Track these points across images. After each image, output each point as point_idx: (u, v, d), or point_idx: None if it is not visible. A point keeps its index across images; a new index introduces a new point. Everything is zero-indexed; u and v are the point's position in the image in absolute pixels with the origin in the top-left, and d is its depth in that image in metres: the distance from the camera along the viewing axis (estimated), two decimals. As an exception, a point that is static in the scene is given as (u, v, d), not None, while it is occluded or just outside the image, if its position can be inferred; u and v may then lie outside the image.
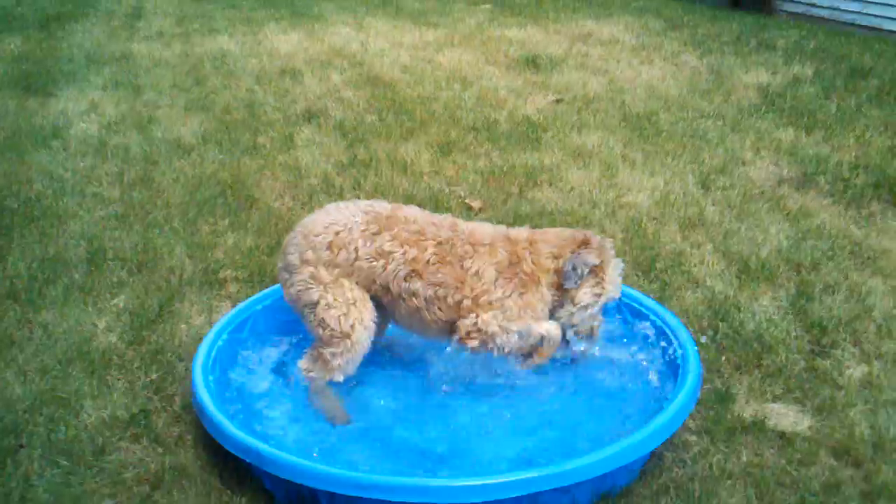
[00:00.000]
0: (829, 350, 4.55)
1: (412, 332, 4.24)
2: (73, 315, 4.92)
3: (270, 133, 7.86)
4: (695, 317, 4.84)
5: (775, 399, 4.19)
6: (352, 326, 3.93)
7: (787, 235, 5.79)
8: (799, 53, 10.29)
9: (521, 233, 4.13)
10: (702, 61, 10.11)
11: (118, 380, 4.37)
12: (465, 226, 4.11)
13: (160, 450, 3.89)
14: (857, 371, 4.39)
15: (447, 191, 6.54)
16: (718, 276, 5.29)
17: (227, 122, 8.14)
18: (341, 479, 3.26)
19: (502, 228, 4.16)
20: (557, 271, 4.04)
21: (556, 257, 4.04)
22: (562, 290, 4.07)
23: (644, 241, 5.72)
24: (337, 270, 3.95)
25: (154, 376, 4.39)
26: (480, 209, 6.23)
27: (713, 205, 6.29)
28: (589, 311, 4.09)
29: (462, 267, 3.95)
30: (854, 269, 5.34)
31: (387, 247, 3.96)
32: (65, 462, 3.77)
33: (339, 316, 3.93)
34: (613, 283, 4.12)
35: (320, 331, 3.98)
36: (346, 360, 3.98)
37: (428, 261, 3.94)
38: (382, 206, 4.15)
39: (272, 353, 4.38)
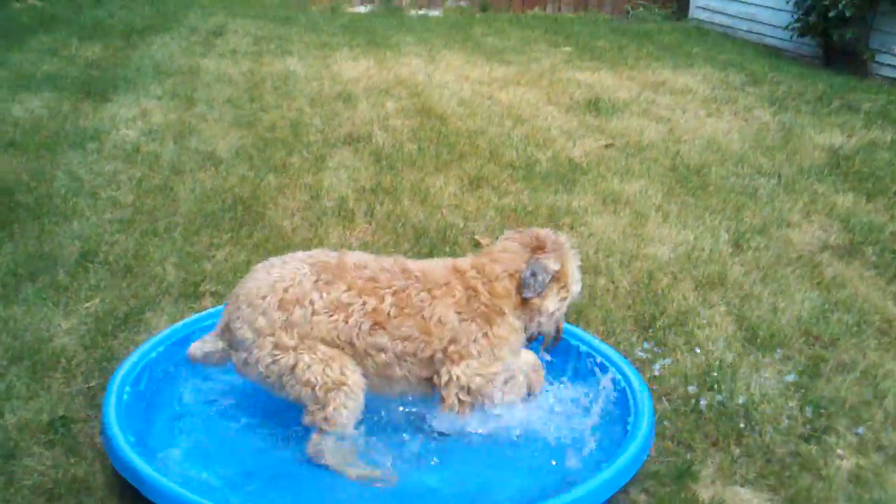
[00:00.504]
0: (822, 435, 4.07)
1: (385, 394, 3.82)
2: (41, 314, 4.82)
3: (304, 153, 7.74)
4: (682, 382, 4.41)
5: (745, 483, 3.75)
6: (342, 372, 3.54)
7: (813, 305, 5.30)
8: (882, 118, 9.65)
9: (466, 261, 3.81)
10: (774, 118, 9.59)
11: (58, 383, 4.23)
12: (414, 266, 3.79)
13: (72, 460, 3.71)
14: (847, 463, 3.91)
15: (460, 225, 6.27)
16: (722, 341, 4.85)
17: (266, 140, 8.07)
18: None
19: (449, 261, 3.85)
20: (518, 289, 3.69)
21: (511, 276, 3.70)
22: (527, 305, 3.73)
23: (651, 295, 5.33)
24: (296, 331, 3.55)
25: (94, 384, 4.23)
26: (487, 246, 5.92)
27: (741, 265, 5.84)
28: (556, 316, 3.83)
29: (423, 317, 3.63)
30: (876, 349, 4.84)
31: (344, 298, 3.58)
32: (-32, 462, 3.61)
33: (324, 368, 3.53)
34: (576, 281, 3.85)
35: (309, 392, 3.54)
36: (351, 408, 3.56)
37: (389, 312, 3.60)
38: (327, 255, 3.79)
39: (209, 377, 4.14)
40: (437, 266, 3.79)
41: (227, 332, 3.71)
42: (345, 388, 3.53)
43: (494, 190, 7.07)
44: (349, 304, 3.57)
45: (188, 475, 3.44)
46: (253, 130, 8.36)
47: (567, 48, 13.61)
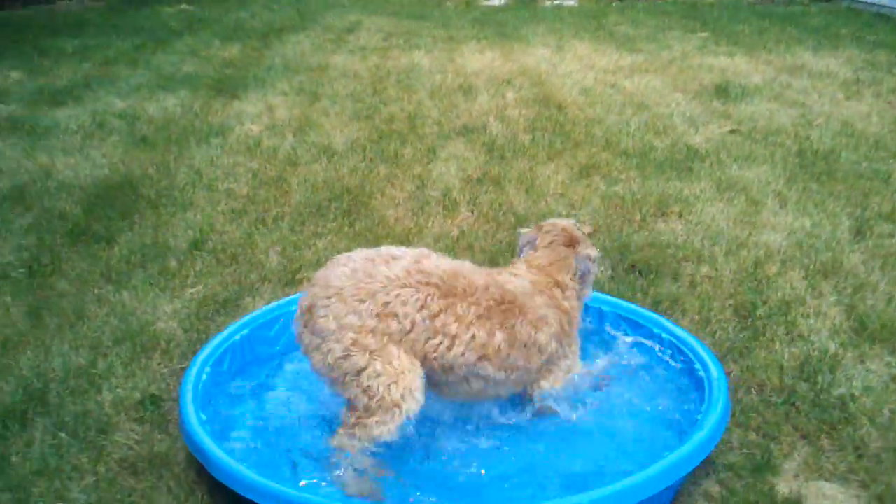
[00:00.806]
0: (926, 432, 3.77)
1: (457, 399, 3.76)
2: (148, 299, 5.06)
3: (418, 145, 7.81)
4: (776, 373, 4.19)
5: (831, 478, 3.52)
6: (402, 396, 3.38)
7: (936, 295, 4.93)
8: None
9: (540, 275, 3.78)
10: (921, 99, 8.99)
11: (155, 364, 4.42)
12: (509, 286, 3.66)
13: (158, 436, 3.87)
14: (951, 461, 3.60)
15: (564, 213, 6.16)
16: (827, 332, 4.58)
17: (382, 132, 8.19)
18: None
19: (525, 280, 3.76)
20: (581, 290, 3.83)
21: (573, 278, 3.69)
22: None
23: (755, 283, 5.08)
24: (385, 338, 3.42)
25: (187, 364, 4.38)
26: (590, 234, 5.80)
27: (860, 253, 5.49)
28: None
29: (527, 348, 3.60)
30: None
31: (452, 329, 3.46)
32: (64, 435, 3.82)
33: (390, 384, 3.36)
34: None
35: (364, 399, 3.40)
36: (391, 428, 3.40)
37: (499, 347, 3.52)
38: (432, 266, 3.57)
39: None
40: (519, 286, 3.69)
41: (308, 314, 3.62)
42: (397, 410, 3.39)
43: (604, 178, 6.92)
44: (455, 336, 3.46)
45: (258, 456, 3.53)
46: (370, 123, 8.50)
47: (703, 34, 13.20)
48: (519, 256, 3.99)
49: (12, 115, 8.74)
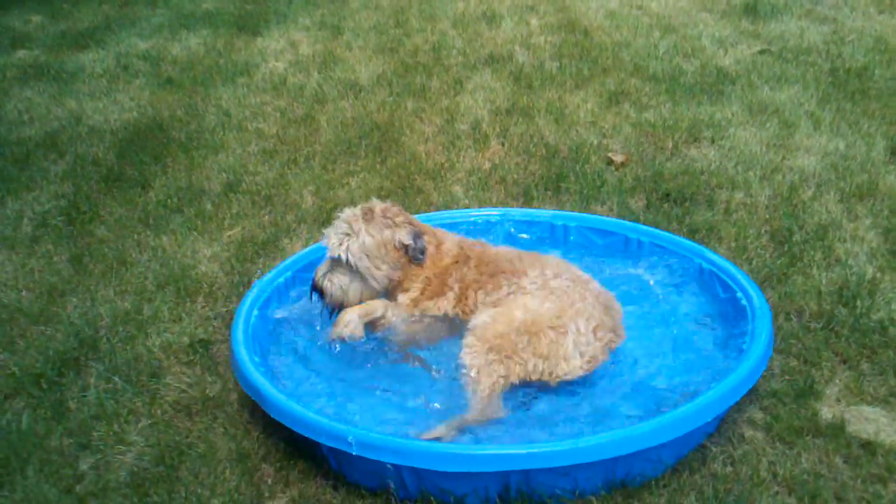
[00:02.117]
0: (967, 353, 3.79)
1: None
2: (187, 242, 5.12)
3: (444, 77, 7.75)
4: (814, 298, 4.20)
5: (873, 402, 3.56)
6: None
7: (975, 214, 4.90)
8: None
9: None
10: (957, 10, 8.78)
11: (200, 307, 4.50)
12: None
13: (209, 379, 3.96)
14: None
15: (595, 143, 6.14)
16: (864, 256, 4.58)
17: (407, 65, 8.13)
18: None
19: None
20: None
21: None
22: None
23: (791, 209, 5.07)
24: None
25: (232, 307, 4.47)
26: (622, 163, 5.79)
27: (896, 174, 5.45)
28: None
29: None
30: None
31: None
32: (118, 380, 3.93)
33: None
34: None
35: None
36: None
37: None
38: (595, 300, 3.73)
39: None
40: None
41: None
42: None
43: (634, 104, 6.86)
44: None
45: (307, 394, 3.61)
46: (395, 56, 8.43)
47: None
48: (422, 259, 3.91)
49: (37, 60, 8.74)
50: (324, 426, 3.17)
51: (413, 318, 3.86)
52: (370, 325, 3.85)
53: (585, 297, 3.66)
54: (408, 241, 3.84)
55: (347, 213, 3.89)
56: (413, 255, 3.86)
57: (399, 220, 3.88)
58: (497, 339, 3.51)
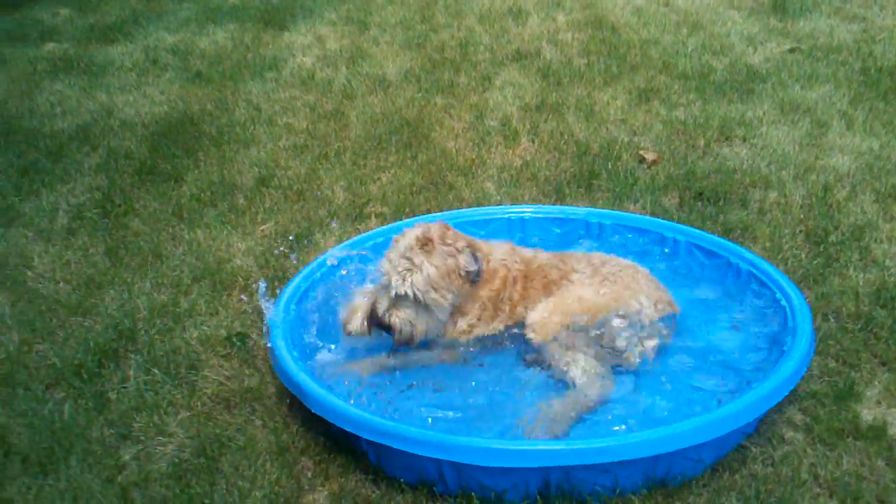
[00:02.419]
0: None
1: None
2: (221, 236, 5.15)
3: (472, 73, 7.76)
4: (852, 299, 4.19)
5: (913, 404, 3.55)
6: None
7: None
8: None
9: None
10: None
11: (236, 300, 4.53)
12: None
13: (247, 371, 3.99)
14: None
15: (626, 140, 6.13)
16: (902, 256, 4.56)
17: (435, 61, 8.13)
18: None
19: None
20: None
21: None
22: None
23: (826, 209, 5.05)
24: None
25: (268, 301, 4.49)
26: (654, 162, 5.78)
27: (931, 175, 5.42)
28: None
29: None
30: None
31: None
32: (157, 372, 3.96)
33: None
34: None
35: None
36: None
37: None
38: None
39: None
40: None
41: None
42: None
43: (664, 102, 6.85)
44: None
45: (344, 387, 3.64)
46: (423, 52, 8.44)
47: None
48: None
49: (66, 53, 8.80)
50: (366, 420, 3.19)
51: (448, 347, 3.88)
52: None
53: (637, 278, 3.68)
54: (472, 266, 3.79)
55: (404, 244, 3.78)
56: (473, 278, 3.82)
57: (460, 245, 3.81)
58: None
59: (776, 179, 5.43)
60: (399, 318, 3.74)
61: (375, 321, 3.78)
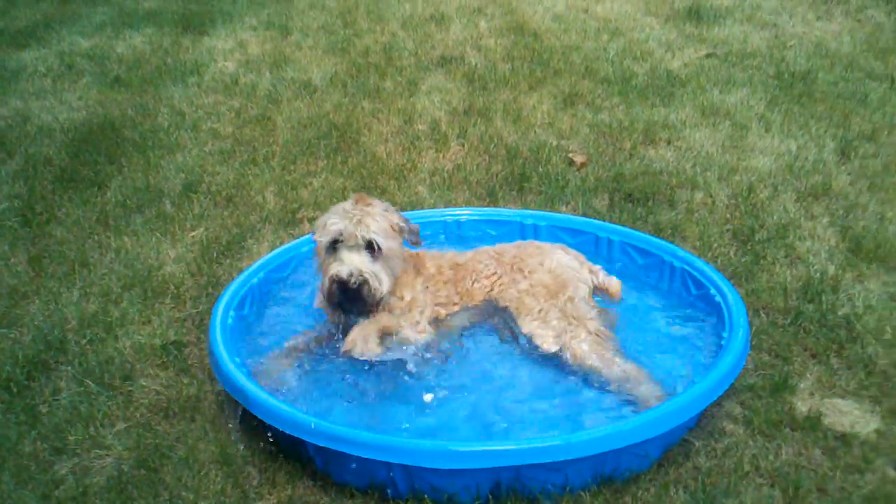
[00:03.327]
0: (928, 346, 3.94)
1: None
2: (150, 244, 5.03)
3: (398, 78, 7.75)
4: (780, 295, 4.32)
5: (845, 395, 3.67)
6: None
7: (924, 213, 5.09)
8: None
9: None
10: (889, 18, 9.10)
11: (168, 309, 4.43)
12: None
13: (185, 380, 3.90)
14: (954, 372, 3.78)
15: (554, 144, 6.21)
16: (825, 254, 4.72)
17: (359, 66, 8.10)
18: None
19: None
20: None
21: None
22: None
23: (750, 208, 5.20)
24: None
25: (201, 308, 4.41)
26: (583, 164, 5.86)
27: (847, 175, 5.63)
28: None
29: None
30: None
31: None
32: (91, 383, 3.84)
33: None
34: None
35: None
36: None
37: None
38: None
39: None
40: None
41: None
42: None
43: (589, 106, 6.95)
44: None
45: (288, 394, 3.59)
46: (346, 56, 8.40)
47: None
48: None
49: (-25, 58, 8.48)
50: (315, 426, 3.15)
51: (418, 324, 3.83)
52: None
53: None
54: (403, 223, 3.81)
55: (341, 207, 3.78)
56: (411, 238, 3.83)
57: (387, 205, 3.85)
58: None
59: (701, 180, 5.57)
60: (368, 273, 3.64)
61: (342, 287, 3.63)
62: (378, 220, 3.69)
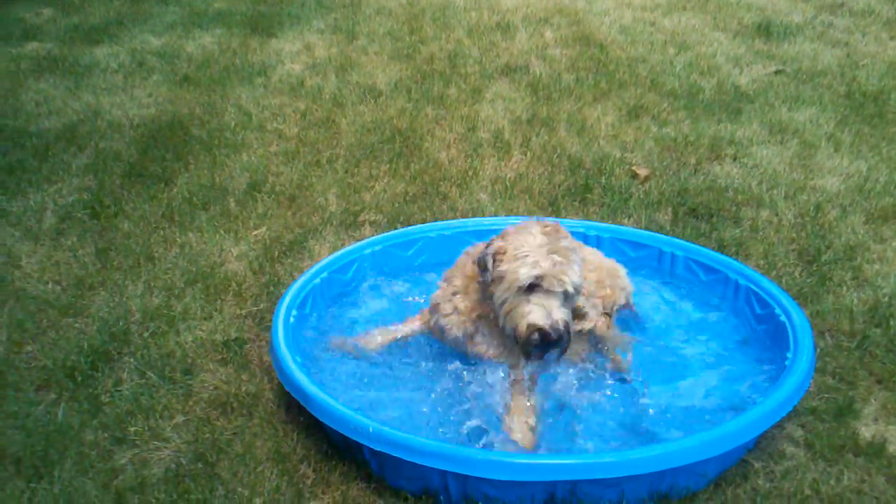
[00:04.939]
0: None
1: None
2: (214, 240, 5.10)
3: (462, 85, 7.76)
4: (846, 318, 4.23)
5: (911, 423, 3.58)
6: None
7: None
8: None
9: None
10: (968, 37, 8.89)
11: (230, 306, 4.48)
12: None
13: (244, 376, 3.94)
14: None
15: (617, 156, 6.16)
16: (894, 277, 4.61)
17: (424, 72, 8.13)
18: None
19: None
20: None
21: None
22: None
23: (817, 229, 5.10)
24: None
25: (262, 306, 4.45)
26: (647, 178, 5.81)
27: (919, 198, 5.49)
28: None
29: None
30: None
31: None
32: (152, 375, 3.90)
33: None
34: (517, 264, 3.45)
35: None
36: None
37: None
38: None
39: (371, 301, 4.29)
40: None
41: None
42: None
43: (654, 120, 6.89)
44: None
45: (346, 394, 3.60)
46: (411, 62, 8.44)
47: (736, -30, 12.93)
48: None
49: (50, 53, 8.70)
50: (372, 430, 3.16)
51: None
52: None
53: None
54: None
55: (530, 238, 3.47)
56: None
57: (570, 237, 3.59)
58: None
59: (768, 198, 5.48)
60: (568, 324, 3.43)
61: (544, 338, 3.41)
62: (577, 264, 3.47)
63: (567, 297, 3.44)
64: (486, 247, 3.57)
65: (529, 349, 3.46)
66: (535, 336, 3.40)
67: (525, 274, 3.39)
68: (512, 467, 3.02)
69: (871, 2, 10.54)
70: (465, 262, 3.78)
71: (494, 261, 3.49)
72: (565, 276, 3.39)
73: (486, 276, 3.52)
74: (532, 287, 3.40)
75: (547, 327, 3.38)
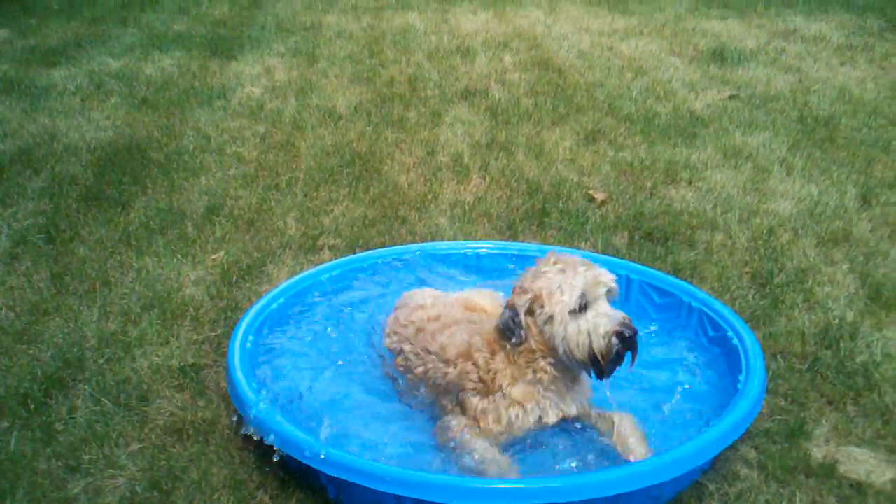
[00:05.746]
0: (947, 397, 3.91)
1: None
2: (171, 265, 5.07)
3: (421, 109, 7.82)
4: (798, 340, 4.31)
5: (860, 443, 3.64)
6: None
7: (945, 263, 5.07)
8: None
9: None
10: (914, 65, 9.12)
11: (187, 331, 4.45)
12: None
13: (200, 403, 3.91)
14: (973, 425, 3.75)
15: (575, 180, 6.23)
16: (844, 300, 4.70)
17: (384, 95, 8.18)
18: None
19: None
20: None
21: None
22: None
23: (770, 252, 5.19)
24: None
25: (219, 332, 4.43)
26: (604, 202, 5.88)
27: (868, 221, 5.61)
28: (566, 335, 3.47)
29: None
30: None
31: None
32: (107, 402, 3.86)
33: None
34: (556, 300, 3.44)
35: None
36: None
37: None
38: None
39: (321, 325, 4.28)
40: None
41: None
42: None
43: (611, 144, 6.98)
44: None
45: (304, 420, 3.59)
46: (371, 86, 8.48)
47: (693, -5, 13.18)
48: None
49: (6, 74, 8.62)
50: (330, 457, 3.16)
51: None
52: None
53: None
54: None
55: (547, 268, 3.50)
56: None
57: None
58: None
59: (722, 222, 5.57)
60: (626, 316, 3.42)
61: (622, 338, 3.35)
62: (597, 265, 3.52)
63: (611, 294, 3.46)
64: (509, 310, 3.51)
65: (611, 358, 3.40)
66: (615, 340, 3.37)
67: (570, 298, 3.40)
68: (467, 491, 3.03)
69: (822, 28, 10.80)
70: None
71: (532, 310, 3.48)
72: (602, 278, 3.44)
73: (519, 336, 3.50)
74: (582, 308, 3.41)
75: (620, 327, 3.36)
